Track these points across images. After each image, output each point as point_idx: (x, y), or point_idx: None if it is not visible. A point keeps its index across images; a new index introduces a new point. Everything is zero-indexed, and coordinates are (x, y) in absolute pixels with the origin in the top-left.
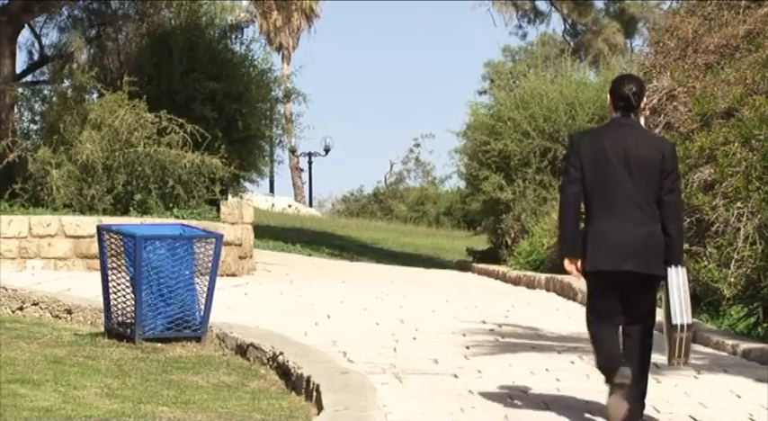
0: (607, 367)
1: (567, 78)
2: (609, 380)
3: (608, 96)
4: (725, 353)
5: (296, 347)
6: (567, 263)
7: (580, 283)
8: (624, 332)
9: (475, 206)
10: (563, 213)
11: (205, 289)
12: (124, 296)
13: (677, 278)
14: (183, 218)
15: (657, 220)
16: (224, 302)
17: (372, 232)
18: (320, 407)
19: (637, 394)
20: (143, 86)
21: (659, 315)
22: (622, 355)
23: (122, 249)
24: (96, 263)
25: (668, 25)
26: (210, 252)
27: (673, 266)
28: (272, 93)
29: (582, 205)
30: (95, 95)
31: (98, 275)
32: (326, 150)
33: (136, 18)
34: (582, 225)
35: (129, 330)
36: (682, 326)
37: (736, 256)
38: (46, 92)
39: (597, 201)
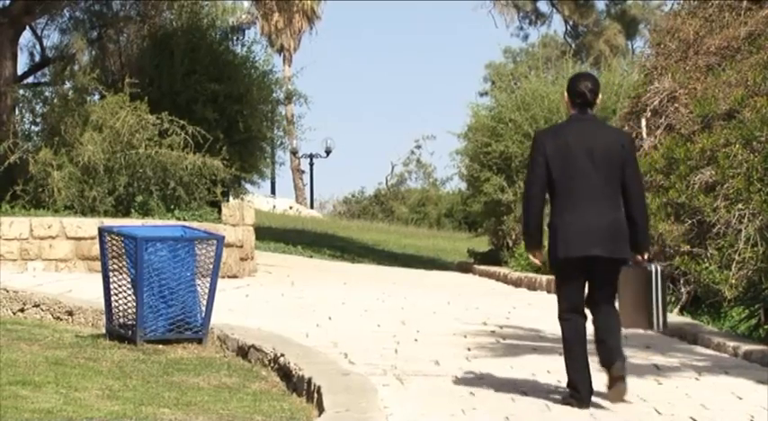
0: (575, 378)
1: (567, 80)
2: (573, 389)
3: (565, 94)
4: (726, 355)
5: (297, 349)
6: (531, 256)
7: None
8: (594, 308)
9: (476, 208)
10: (528, 208)
11: (206, 290)
12: (125, 298)
13: (657, 278)
14: (185, 219)
15: (621, 208)
16: (225, 304)
17: (373, 234)
18: (321, 409)
19: (621, 356)
20: (144, 88)
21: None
22: (588, 367)
23: (124, 251)
24: (97, 264)
25: (669, 27)
26: (212, 253)
27: (651, 263)
28: (274, 94)
29: (546, 199)
30: (97, 97)
31: (99, 277)
32: (328, 152)
33: (137, 20)
34: (549, 217)
35: (130, 332)
36: (659, 328)
37: (737, 258)
38: (47, 93)
39: (563, 193)
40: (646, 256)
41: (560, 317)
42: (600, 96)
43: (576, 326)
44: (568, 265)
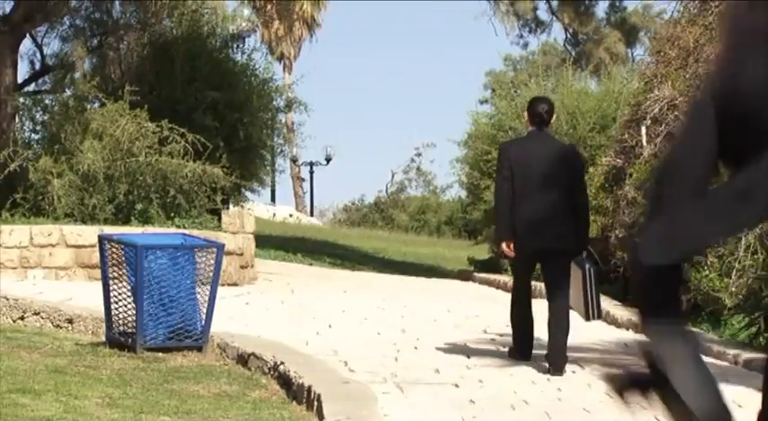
0: (517, 345)
1: (567, 88)
2: (518, 353)
3: (526, 113)
4: (726, 363)
5: (297, 357)
6: (504, 245)
7: None
8: (549, 294)
9: (476, 215)
10: (499, 206)
11: (206, 298)
12: (125, 305)
13: (590, 276)
14: (185, 227)
15: (569, 209)
16: (225, 312)
17: (373, 241)
18: (321, 417)
19: (562, 342)
20: (144, 96)
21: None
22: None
23: (123, 259)
24: (97, 272)
25: (669, 35)
26: (212, 261)
27: (587, 262)
28: (274, 102)
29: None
30: (97, 105)
31: (99, 285)
32: (328, 160)
33: (137, 28)
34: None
35: (130, 340)
36: (593, 318)
37: (737, 266)
38: (47, 101)
39: (523, 195)
40: (584, 254)
41: (512, 297)
42: (554, 116)
43: (525, 314)
44: (524, 254)
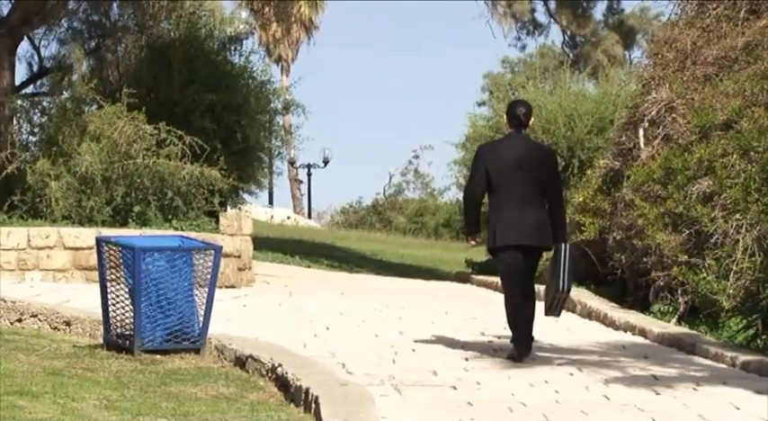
0: (516, 345)
1: (565, 90)
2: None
3: (505, 116)
4: (724, 365)
5: (295, 359)
6: (469, 238)
7: (578, 295)
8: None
9: None
10: (468, 203)
11: (204, 300)
12: (123, 308)
13: (564, 254)
14: (182, 229)
15: (545, 207)
16: (223, 314)
17: (371, 244)
18: (319, 419)
19: (529, 334)
20: (142, 98)
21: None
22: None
23: (121, 261)
24: (95, 274)
25: (667, 37)
26: (209, 263)
27: (562, 243)
28: (272, 104)
29: (484, 197)
30: (94, 107)
31: (97, 287)
32: (325, 162)
33: (135, 30)
34: (488, 212)
35: (127, 342)
36: (567, 289)
37: (735, 268)
38: (45, 104)
39: (501, 194)
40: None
41: (505, 296)
42: (532, 119)
43: (520, 305)
44: (506, 251)
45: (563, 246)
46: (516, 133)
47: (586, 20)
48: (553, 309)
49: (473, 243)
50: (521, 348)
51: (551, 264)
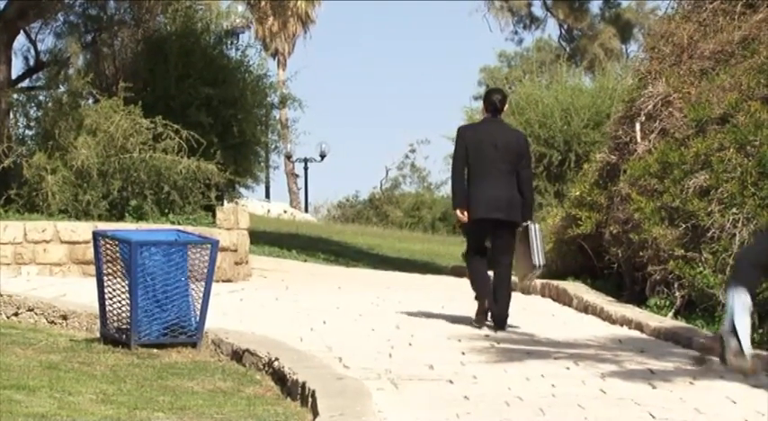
0: (481, 295)
1: (562, 84)
2: (480, 302)
3: (482, 102)
4: None
5: (291, 353)
6: (458, 212)
7: (575, 290)
8: (495, 262)
9: None
10: (456, 180)
11: (201, 294)
12: (120, 302)
13: (535, 231)
14: (179, 223)
15: (515, 186)
16: (220, 308)
17: (368, 238)
18: (315, 413)
19: (505, 303)
20: (138, 92)
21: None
22: (492, 286)
23: (118, 255)
24: (92, 268)
25: (663, 31)
26: (206, 258)
27: (531, 222)
28: (268, 98)
29: (466, 174)
30: (91, 101)
31: (93, 281)
32: (322, 156)
33: (132, 24)
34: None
35: (124, 336)
36: (542, 265)
37: (731, 262)
38: (41, 97)
39: (477, 172)
40: (529, 222)
41: (467, 257)
42: (507, 105)
43: (479, 263)
44: (477, 224)
45: (532, 226)
46: (492, 117)
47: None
48: (527, 280)
49: (464, 217)
50: (480, 317)
51: (522, 243)
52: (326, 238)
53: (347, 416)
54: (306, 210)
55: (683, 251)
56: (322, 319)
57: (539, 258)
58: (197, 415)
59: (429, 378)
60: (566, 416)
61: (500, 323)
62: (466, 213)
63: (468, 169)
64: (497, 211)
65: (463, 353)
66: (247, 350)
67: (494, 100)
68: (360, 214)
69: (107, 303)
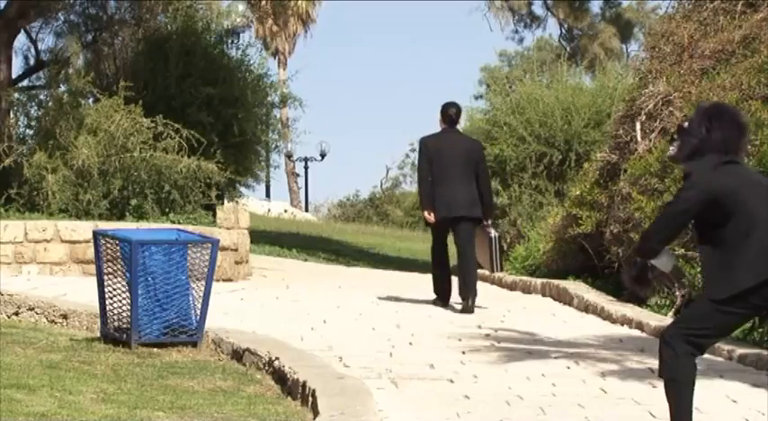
0: (439, 295)
1: (562, 83)
2: (440, 298)
3: (439, 114)
4: (721, 359)
5: (292, 352)
6: (426, 214)
7: (575, 289)
8: (460, 252)
9: None
10: (422, 183)
11: (201, 294)
12: (120, 301)
13: (495, 240)
14: (179, 223)
15: (475, 188)
16: (220, 307)
17: (368, 237)
18: (316, 412)
19: (473, 285)
20: (139, 91)
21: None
22: (450, 289)
23: (118, 254)
24: (92, 268)
25: (664, 30)
26: (206, 257)
27: (492, 229)
28: (269, 98)
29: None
30: (91, 100)
31: (94, 280)
32: (322, 155)
33: (132, 23)
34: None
35: (125, 335)
36: (499, 269)
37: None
38: (42, 97)
39: (439, 177)
40: (489, 221)
41: (433, 249)
42: (461, 117)
43: (442, 253)
44: (441, 223)
45: (493, 234)
46: (450, 128)
47: (583, 13)
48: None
49: (431, 218)
50: (445, 300)
51: (484, 246)
52: (327, 238)
53: (347, 415)
54: (306, 210)
55: (683, 250)
56: (322, 319)
57: (497, 266)
58: (197, 414)
59: (429, 377)
60: (566, 415)
61: (467, 308)
62: (432, 214)
63: (431, 175)
64: (459, 210)
65: (463, 353)
66: (248, 349)
67: (450, 113)
68: (360, 213)
69: (107, 302)
